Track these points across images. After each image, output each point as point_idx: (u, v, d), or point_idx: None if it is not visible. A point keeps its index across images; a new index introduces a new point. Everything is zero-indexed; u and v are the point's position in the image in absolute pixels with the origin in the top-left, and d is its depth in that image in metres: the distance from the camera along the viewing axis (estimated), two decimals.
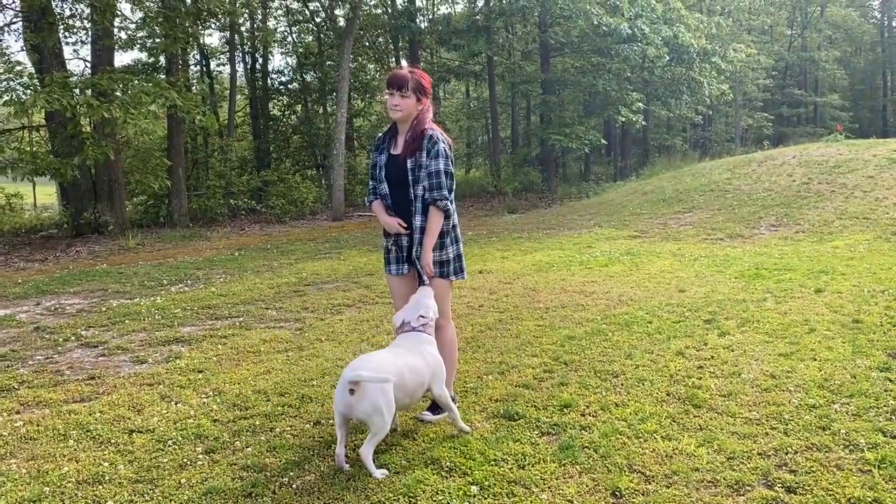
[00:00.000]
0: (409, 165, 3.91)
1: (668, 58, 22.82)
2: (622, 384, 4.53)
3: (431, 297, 3.89)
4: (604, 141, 25.13)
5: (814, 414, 3.93)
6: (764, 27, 38.37)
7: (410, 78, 3.86)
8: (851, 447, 3.52)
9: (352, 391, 3.33)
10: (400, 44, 26.20)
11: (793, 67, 40.66)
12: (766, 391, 4.31)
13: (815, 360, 4.87)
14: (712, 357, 5.03)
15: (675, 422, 3.90)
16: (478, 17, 24.17)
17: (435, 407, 4.08)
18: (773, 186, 14.22)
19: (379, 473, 3.36)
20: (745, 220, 12.37)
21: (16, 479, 3.43)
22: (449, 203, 3.92)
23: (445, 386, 4.15)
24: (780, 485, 3.19)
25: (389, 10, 24.99)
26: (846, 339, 5.31)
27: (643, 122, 25.50)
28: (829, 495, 3.09)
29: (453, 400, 4.19)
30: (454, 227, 4.05)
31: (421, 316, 3.79)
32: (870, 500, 3.04)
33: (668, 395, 4.32)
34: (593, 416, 4.02)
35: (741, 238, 11.23)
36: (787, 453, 3.48)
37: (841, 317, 5.99)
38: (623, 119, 23.49)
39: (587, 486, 3.24)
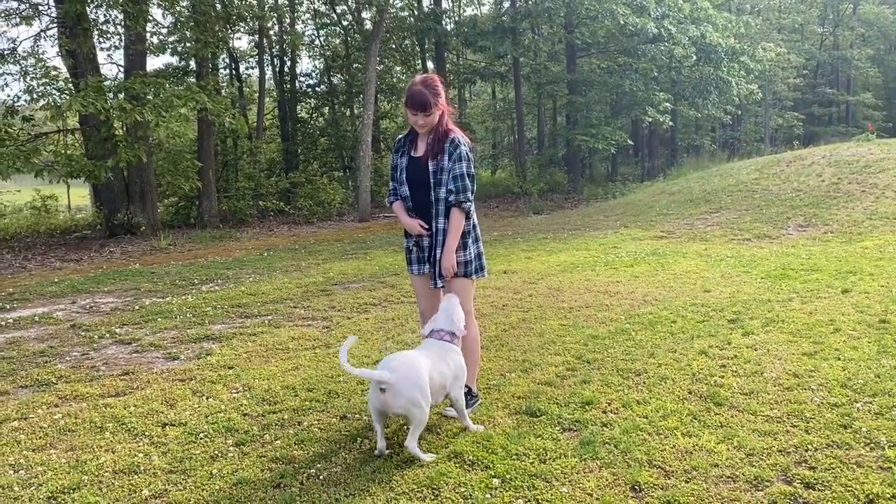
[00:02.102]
0: (430, 168, 4.00)
1: (695, 57, 22.68)
2: (644, 382, 4.57)
3: (458, 305, 3.99)
4: (630, 141, 25.03)
5: (836, 412, 3.95)
6: (794, 25, 37.90)
7: (429, 95, 3.92)
8: (872, 445, 3.54)
9: (383, 389, 3.45)
10: (426, 46, 26.33)
11: (824, 66, 40.10)
12: (788, 390, 4.33)
13: (840, 359, 4.87)
14: (735, 356, 5.05)
15: (695, 419, 3.94)
16: (503, 18, 24.22)
17: None
18: (801, 187, 14.09)
19: (428, 457, 3.53)
20: (772, 221, 12.28)
21: (56, 469, 3.58)
22: (471, 205, 4.01)
23: (469, 382, 4.25)
24: (799, 481, 3.22)
25: (416, 13, 25.13)
26: (872, 339, 5.29)
27: (670, 123, 25.36)
28: (848, 491, 3.11)
29: (476, 397, 4.28)
30: (474, 226, 4.15)
31: (462, 328, 3.91)
32: (889, 496, 3.06)
33: (689, 392, 4.35)
34: (615, 413, 4.07)
35: (768, 238, 11.16)
36: (807, 450, 3.51)
37: (867, 317, 5.96)
38: (650, 119, 23.40)
39: (607, 480, 3.30)
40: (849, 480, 3.20)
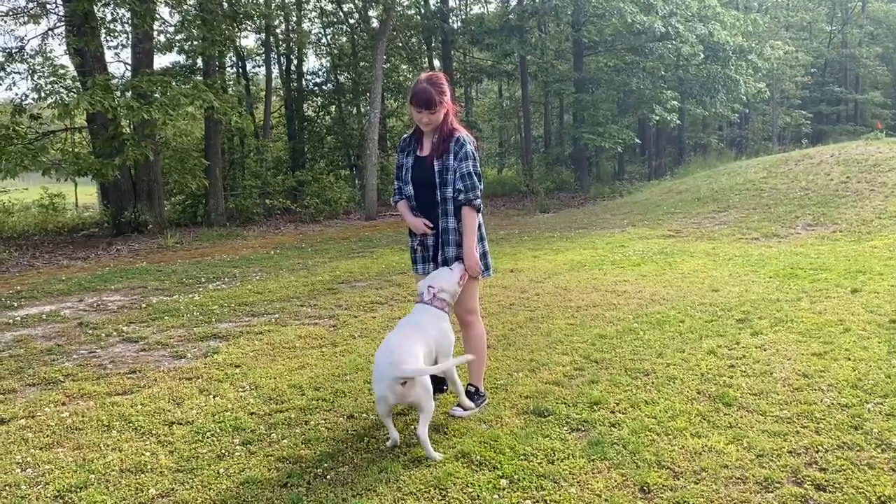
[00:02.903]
0: (436, 167, 3.99)
1: (702, 56, 22.59)
2: (652, 382, 4.55)
3: (447, 273, 3.99)
4: (638, 140, 24.93)
5: (846, 413, 3.92)
6: (802, 23, 37.72)
7: (435, 93, 3.92)
8: (884, 446, 3.51)
9: (403, 383, 3.46)
10: (433, 44, 26.29)
11: (832, 64, 39.87)
12: (797, 390, 4.30)
13: (850, 359, 4.83)
14: (744, 356, 5.02)
15: (704, 419, 3.91)
16: (510, 16, 24.18)
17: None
18: (810, 185, 14.02)
19: (437, 455, 3.53)
20: (780, 220, 12.22)
21: (63, 467, 3.58)
22: (480, 202, 4.01)
23: (476, 382, 4.24)
24: (810, 482, 3.19)
25: (422, 11, 25.09)
26: (882, 339, 5.26)
27: (678, 121, 25.26)
28: (859, 493, 3.08)
29: (483, 396, 4.26)
30: (480, 225, 4.14)
31: (430, 287, 3.94)
32: None
33: (698, 393, 4.33)
34: (623, 414, 4.04)
35: (777, 237, 11.11)
36: (817, 452, 3.48)
37: (877, 317, 5.92)
38: (657, 118, 23.31)
39: (616, 480, 3.28)
40: (860, 482, 3.17)
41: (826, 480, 3.20)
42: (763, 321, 5.97)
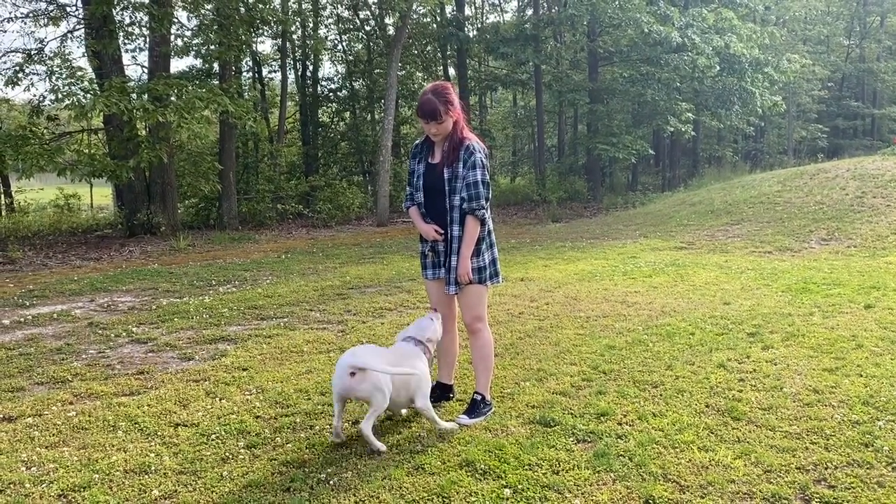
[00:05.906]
0: (446, 175, 4.00)
1: (718, 68, 22.49)
2: (661, 394, 4.51)
3: (430, 323, 4.12)
4: (652, 151, 24.83)
5: (857, 430, 3.86)
6: (820, 37, 37.49)
7: (439, 104, 3.93)
8: (895, 465, 3.45)
9: (352, 374, 3.61)
10: (448, 52, 26.35)
11: (850, 78, 39.63)
12: (808, 406, 4.25)
13: (861, 376, 4.77)
14: (754, 370, 4.97)
15: (712, 433, 3.87)
16: (526, 25, 24.19)
17: (471, 410, 4.14)
18: (825, 200, 13.91)
19: (381, 445, 3.66)
20: (794, 234, 12.12)
21: (68, 466, 3.59)
22: (485, 212, 3.99)
23: (482, 390, 4.22)
24: (818, 500, 3.15)
25: (438, 19, 25.16)
26: (895, 356, 5.19)
27: (692, 133, 25.15)
28: None
29: (489, 405, 4.24)
30: (489, 233, 4.13)
31: (416, 339, 4.05)
32: None
33: (707, 406, 4.28)
34: (630, 426, 4.01)
35: (790, 251, 11.02)
36: (826, 468, 3.44)
37: (891, 333, 5.85)
38: (672, 129, 23.22)
39: (621, 493, 3.24)
40: (870, 501, 3.13)
41: (835, 498, 3.15)
42: (774, 335, 5.92)
